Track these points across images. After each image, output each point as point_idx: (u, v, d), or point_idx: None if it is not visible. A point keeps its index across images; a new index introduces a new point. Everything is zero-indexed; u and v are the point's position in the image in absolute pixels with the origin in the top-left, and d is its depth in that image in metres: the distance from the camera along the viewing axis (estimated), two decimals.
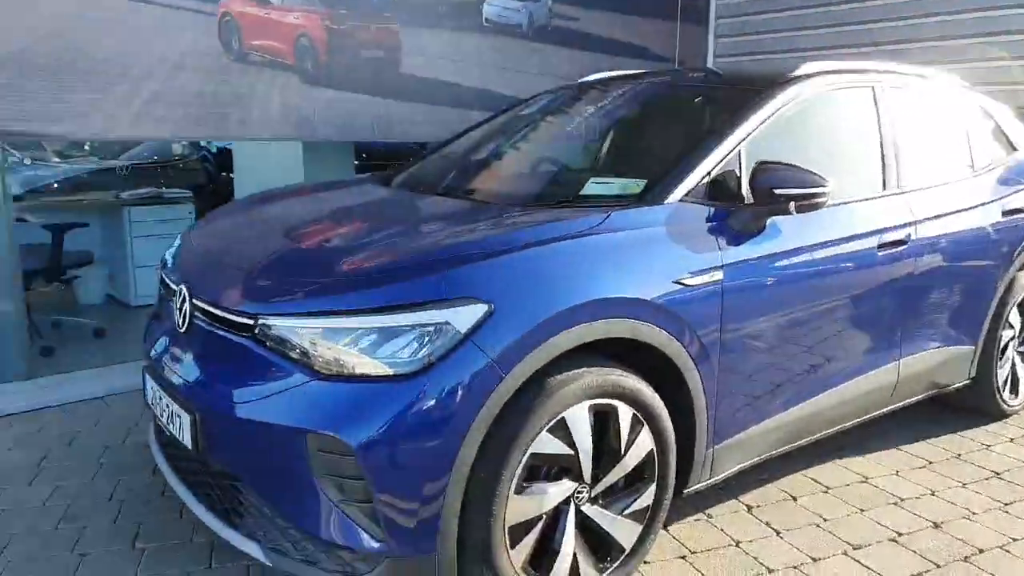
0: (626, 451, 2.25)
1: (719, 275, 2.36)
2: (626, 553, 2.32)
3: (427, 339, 1.90)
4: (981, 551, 2.67)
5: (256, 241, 2.54)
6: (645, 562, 2.52)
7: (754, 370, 2.54)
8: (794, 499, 3.00)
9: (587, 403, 2.13)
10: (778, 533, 2.74)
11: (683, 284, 2.27)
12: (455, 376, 1.89)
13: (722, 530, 2.76)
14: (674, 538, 2.70)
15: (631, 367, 2.26)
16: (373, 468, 1.86)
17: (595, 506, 2.24)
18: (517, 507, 2.04)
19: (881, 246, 2.87)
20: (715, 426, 2.48)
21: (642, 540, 2.36)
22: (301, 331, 1.95)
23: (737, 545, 2.66)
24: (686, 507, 2.86)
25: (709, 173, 2.48)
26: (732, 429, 2.54)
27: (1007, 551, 2.67)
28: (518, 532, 2.08)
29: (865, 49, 5.82)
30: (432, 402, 1.87)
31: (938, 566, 2.57)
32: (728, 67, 6.47)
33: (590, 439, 2.15)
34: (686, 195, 2.42)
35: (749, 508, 2.91)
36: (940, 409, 3.85)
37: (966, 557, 2.63)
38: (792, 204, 2.43)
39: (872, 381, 3.01)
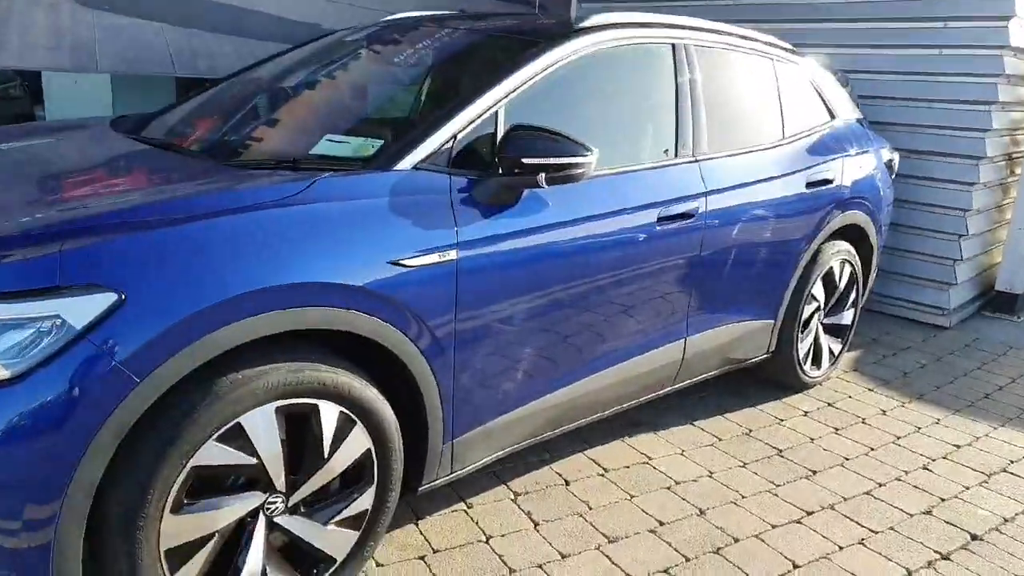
0: (331, 454, 1.97)
1: (452, 254, 2.07)
2: (337, 564, 2.08)
3: (36, 336, 1.54)
4: (736, 540, 2.57)
5: None
6: (379, 564, 2.30)
7: (500, 358, 2.29)
8: (566, 483, 2.83)
9: (274, 404, 1.83)
10: (536, 525, 2.56)
11: (403, 265, 1.98)
12: (67, 381, 1.54)
13: (476, 523, 2.55)
14: (421, 533, 2.48)
15: (359, 359, 1.98)
16: None
17: (294, 517, 1.97)
18: (175, 528, 1.74)
19: (662, 220, 2.65)
20: (454, 419, 2.24)
21: (360, 546, 2.11)
22: None
23: (487, 541, 2.47)
24: (448, 498, 2.65)
25: (455, 137, 2.17)
26: (475, 421, 2.31)
27: (761, 539, 2.58)
28: (181, 554, 1.78)
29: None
30: (34, 411, 1.52)
31: (687, 559, 2.45)
32: (532, 16, 6.07)
33: (280, 444, 1.86)
34: (422, 161, 2.11)
35: (515, 496, 2.72)
36: (745, 380, 3.77)
37: (718, 548, 2.52)
38: (542, 176, 2.16)
39: (650, 361, 2.83)
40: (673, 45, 2.86)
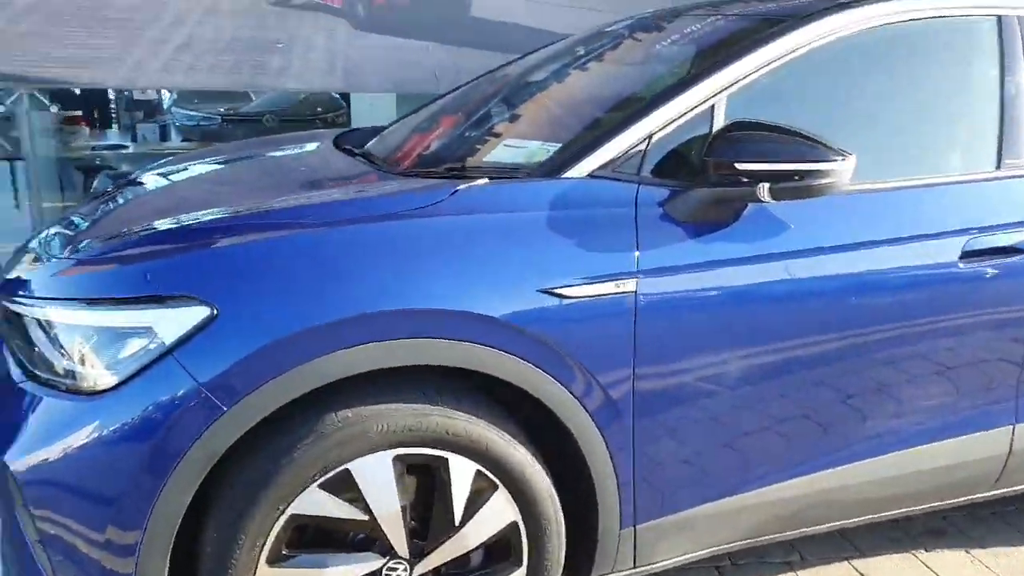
0: (464, 520, 1.62)
1: (629, 285, 1.61)
2: None
3: (126, 349, 1.43)
4: None
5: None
6: None
7: (703, 430, 1.75)
8: None
9: (392, 452, 1.54)
10: None
11: (560, 295, 1.57)
12: (151, 402, 1.40)
13: None
14: None
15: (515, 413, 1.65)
16: (39, 506, 1.44)
17: None
18: None
19: (969, 255, 1.88)
20: (636, 500, 1.74)
21: None
22: (25, 314, 1.55)
23: None
24: None
25: (649, 138, 1.70)
26: (667, 506, 1.78)
27: None
28: None
29: None
30: (112, 434, 1.40)
31: None
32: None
33: (398, 499, 1.56)
34: (602, 167, 1.68)
35: None
36: None
37: None
38: (765, 187, 1.60)
39: (953, 452, 2.02)
40: (1000, 19, 2.06)
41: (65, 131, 9.78)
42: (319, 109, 7.28)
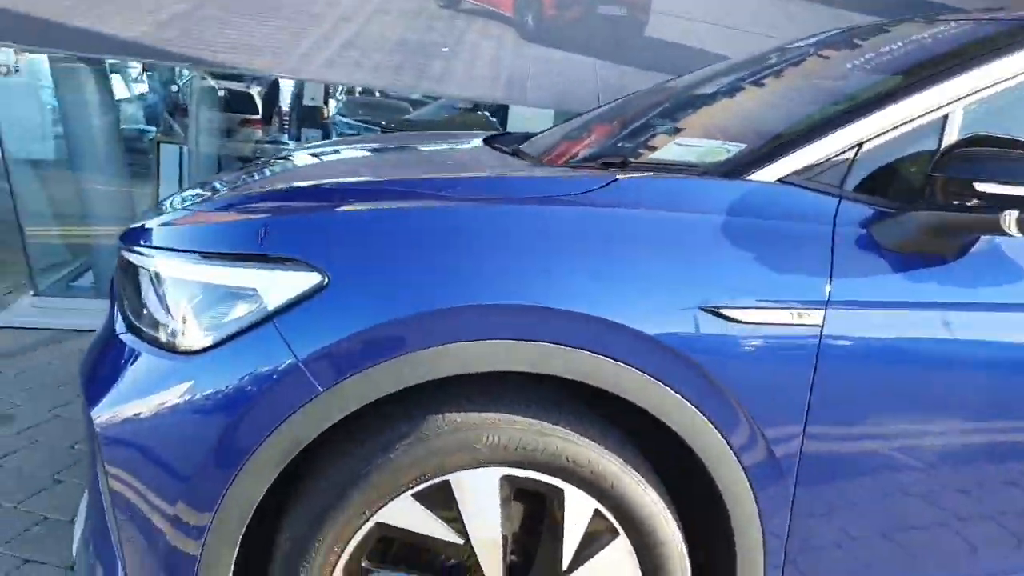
0: (574, 566, 1.36)
1: (814, 316, 1.32)
2: None
3: (226, 309, 1.28)
4: None
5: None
6: None
7: (883, 504, 1.42)
8: None
9: (501, 471, 1.31)
10: None
11: (725, 316, 1.30)
12: (241, 371, 1.24)
13: None
14: None
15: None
16: (112, 463, 1.31)
17: None
18: None
19: None
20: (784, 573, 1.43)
21: None
22: (137, 263, 1.45)
23: None
24: None
25: (859, 145, 1.42)
26: None
27: None
28: None
29: None
30: (197, 400, 1.25)
31: None
32: None
33: (499, 528, 1.33)
34: (796, 173, 1.40)
35: None
36: None
37: None
38: (1012, 217, 1.27)
39: None
40: None
41: (242, 131, 10.47)
42: (474, 129, 7.32)
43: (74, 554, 1.56)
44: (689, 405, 1.31)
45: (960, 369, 1.39)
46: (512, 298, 1.26)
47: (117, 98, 7.30)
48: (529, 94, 3.82)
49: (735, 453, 1.34)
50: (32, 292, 4.02)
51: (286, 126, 10.51)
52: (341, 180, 1.51)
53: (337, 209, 1.33)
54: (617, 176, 1.40)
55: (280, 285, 1.25)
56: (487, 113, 7.33)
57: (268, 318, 1.25)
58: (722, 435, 1.33)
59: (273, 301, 1.25)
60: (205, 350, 1.27)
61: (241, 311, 1.26)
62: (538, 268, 1.28)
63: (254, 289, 1.27)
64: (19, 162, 4.58)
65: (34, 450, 2.59)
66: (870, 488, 1.40)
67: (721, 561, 1.43)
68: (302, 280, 1.25)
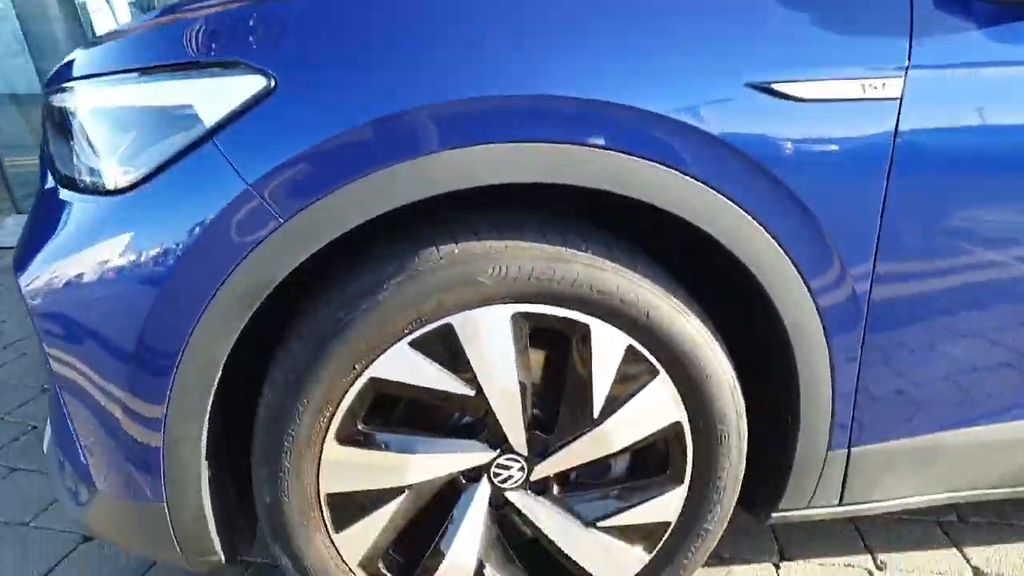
0: (606, 413, 1.15)
1: (893, 86, 1.05)
2: None
3: (156, 133, 1.04)
4: None
5: None
6: None
7: (974, 331, 1.18)
8: None
9: (513, 307, 1.09)
10: None
11: (777, 92, 1.03)
12: (181, 205, 1.01)
13: None
14: None
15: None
16: (49, 340, 1.10)
17: (538, 499, 1.22)
18: (340, 463, 1.13)
19: None
20: (855, 414, 1.22)
21: None
22: (58, 104, 1.19)
23: None
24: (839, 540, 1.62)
25: None
26: (899, 428, 1.24)
27: None
28: (350, 507, 1.17)
29: None
30: (133, 246, 1.02)
31: None
32: None
33: (515, 375, 1.11)
34: None
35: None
36: None
37: None
38: None
39: None
40: None
41: None
42: None
43: (44, 450, 1.39)
44: (734, 206, 1.06)
45: None
46: (510, 88, 1.00)
47: (100, 33, 6.94)
48: None
49: (797, 267, 1.10)
50: (15, 212, 3.87)
51: None
52: None
53: None
54: None
55: (218, 95, 1.00)
56: None
57: (207, 136, 1.00)
58: (778, 244, 1.09)
59: (211, 116, 1.00)
60: (136, 185, 1.03)
61: (176, 133, 1.02)
62: (540, 46, 1.01)
63: (189, 104, 1.02)
64: None
65: (21, 363, 2.43)
66: (962, 297, 1.16)
67: (781, 397, 1.22)
68: (244, 85, 0.99)
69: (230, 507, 1.24)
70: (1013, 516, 1.69)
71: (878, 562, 1.56)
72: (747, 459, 1.23)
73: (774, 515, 1.31)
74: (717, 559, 1.58)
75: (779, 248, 1.08)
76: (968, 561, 1.56)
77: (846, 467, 1.25)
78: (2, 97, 4.80)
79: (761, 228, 1.07)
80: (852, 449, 1.23)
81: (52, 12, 5.20)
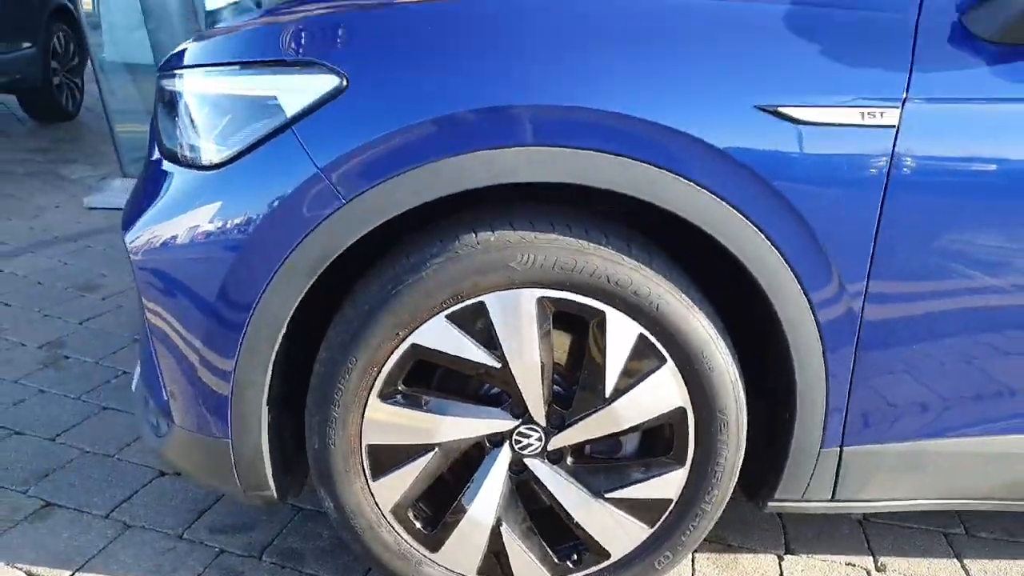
0: (616, 394, 1.29)
1: (890, 115, 1.15)
2: (608, 563, 1.41)
3: (245, 119, 1.22)
4: None
5: None
6: None
7: (963, 336, 1.27)
8: None
9: (538, 292, 1.23)
10: None
11: (783, 115, 1.15)
12: (262, 182, 1.20)
13: None
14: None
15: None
16: (146, 290, 1.30)
17: (554, 467, 1.36)
18: (381, 418, 1.30)
19: None
20: (847, 415, 1.32)
21: (648, 552, 1.40)
22: (168, 88, 1.40)
23: None
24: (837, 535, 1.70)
25: None
26: (887, 431, 1.34)
27: None
28: (387, 458, 1.34)
29: None
30: (220, 214, 1.21)
31: None
32: None
33: (537, 352, 1.26)
34: None
35: None
36: None
37: None
38: None
39: None
40: None
41: None
42: None
43: (132, 388, 1.60)
44: (742, 218, 1.18)
45: None
46: (545, 98, 1.15)
47: (210, 8, 7.38)
48: None
49: (797, 276, 1.21)
50: (121, 176, 4.19)
51: None
52: None
53: (357, 8, 1.24)
54: None
55: (298, 90, 1.19)
56: None
57: (287, 125, 1.18)
58: (780, 254, 1.21)
59: (292, 107, 1.19)
60: (227, 163, 1.23)
61: (262, 120, 1.21)
62: (573, 64, 1.16)
63: (274, 96, 1.20)
64: (110, 63, 4.80)
65: (117, 314, 2.70)
66: (953, 310, 1.25)
67: (781, 393, 1.34)
68: (320, 83, 1.17)
69: (286, 451, 1.42)
70: (1020, 534, 1.74)
71: (878, 564, 1.65)
72: (748, 449, 1.35)
73: (771, 504, 1.41)
74: (725, 546, 1.69)
75: (781, 258, 1.20)
76: (967, 573, 1.63)
77: (838, 464, 1.35)
78: (118, 66, 5.10)
79: (765, 238, 1.19)
80: (844, 448, 1.34)
81: None
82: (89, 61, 4.47)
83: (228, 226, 1.21)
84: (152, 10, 5.36)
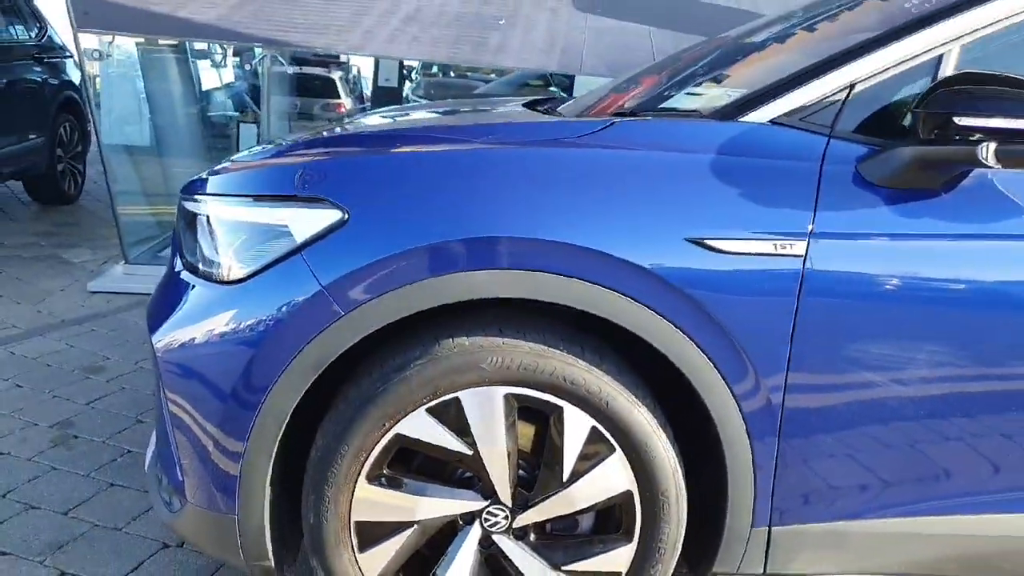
0: (573, 479, 1.49)
1: (797, 247, 1.40)
2: None
3: (260, 243, 1.46)
4: None
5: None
6: None
7: (869, 434, 1.49)
8: None
9: (504, 389, 1.45)
10: None
11: (708, 246, 1.39)
12: (274, 297, 1.43)
13: None
14: None
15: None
16: (169, 384, 1.51)
17: (518, 542, 1.55)
18: (368, 498, 1.49)
19: None
20: (774, 499, 1.52)
21: None
22: (192, 210, 1.65)
23: None
24: None
25: (851, 87, 1.47)
26: (812, 513, 1.54)
27: None
28: (373, 533, 1.52)
29: None
30: (236, 324, 1.44)
31: None
32: None
33: (504, 441, 1.47)
34: (787, 115, 1.48)
35: None
36: None
37: None
38: (988, 148, 1.32)
39: None
40: None
41: (325, 114, 11.19)
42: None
43: (146, 468, 1.79)
44: (675, 329, 1.41)
45: (947, 297, 1.44)
46: (511, 231, 1.39)
47: (207, 88, 7.80)
48: (585, 62, 3.91)
49: (721, 374, 1.44)
50: (123, 261, 4.40)
51: (365, 106, 11.02)
52: (371, 129, 1.66)
53: (356, 153, 1.50)
54: (614, 120, 1.51)
55: (307, 221, 1.43)
56: (559, 89, 7.39)
57: (297, 250, 1.42)
58: (709, 359, 1.43)
59: (301, 235, 1.42)
60: (244, 280, 1.46)
61: (275, 245, 1.45)
62: (535, 203, 1.41)
63: (286, 225, 1.44)
64: (112, 147, 5.06)
65: (121, 395, 2.89)
66: (860, 408, 1.47)
67: (716, 479, 1.54)
68: (326, 216, 1.42)
69: (282, 526, 1.61)
70: None
71: None
72: (689, 526, 1.54)
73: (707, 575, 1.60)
74: None
75: (709, 361, 1.42)
76: None
77: (767, 542, 1.55)
78: (118, 148, 5.32)
79: (696, 347, 1.42)
80: (772, 528, 1.53)
81: (171, 72, 5.90)
82: (96, 143, 4.72)
83: (243, 331, 1.43)
84: (153, 94, 5.69)
